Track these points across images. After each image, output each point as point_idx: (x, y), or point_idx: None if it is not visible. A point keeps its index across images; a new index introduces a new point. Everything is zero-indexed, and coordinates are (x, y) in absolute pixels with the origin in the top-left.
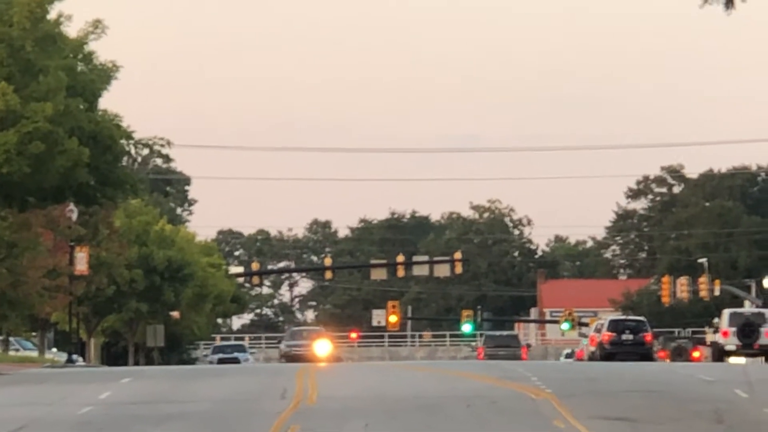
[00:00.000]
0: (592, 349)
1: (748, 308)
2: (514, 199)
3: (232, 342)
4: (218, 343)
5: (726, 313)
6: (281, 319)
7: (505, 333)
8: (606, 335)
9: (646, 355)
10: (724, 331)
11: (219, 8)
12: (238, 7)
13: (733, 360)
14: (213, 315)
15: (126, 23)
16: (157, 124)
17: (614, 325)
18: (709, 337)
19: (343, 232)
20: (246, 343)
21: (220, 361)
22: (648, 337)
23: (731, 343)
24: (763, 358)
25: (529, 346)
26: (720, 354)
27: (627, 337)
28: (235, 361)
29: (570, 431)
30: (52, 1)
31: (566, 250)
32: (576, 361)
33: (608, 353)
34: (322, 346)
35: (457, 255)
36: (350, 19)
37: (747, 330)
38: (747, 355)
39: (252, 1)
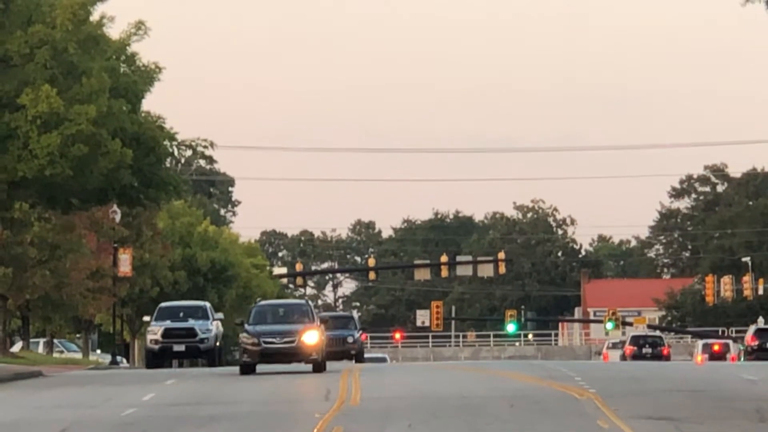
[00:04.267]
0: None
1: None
2: (558, 198)
3: (187, 302)
4: (166, 303)
5: (699, 343)
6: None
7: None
8: (628, 349)
9: None
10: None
11: (261, 10)
12: (280, 9)
13: None
14: None
15: (169, 25)
16: (201, 125)
17: (635, 340)
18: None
19: (386, 233)
20: (207, 304)
21: (167, 334)
22: (665, 350)
23: None
24: None
25: None
26: None
27: (647, 350)
28: (191, 333)
29: (614, 431)
30: (94, 2)
31: (609, 249)
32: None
33: None
34: (311, 337)
35: (501, 255)
36: (392, 21)
37: (716, 357)
38: None
39: (293, 3)
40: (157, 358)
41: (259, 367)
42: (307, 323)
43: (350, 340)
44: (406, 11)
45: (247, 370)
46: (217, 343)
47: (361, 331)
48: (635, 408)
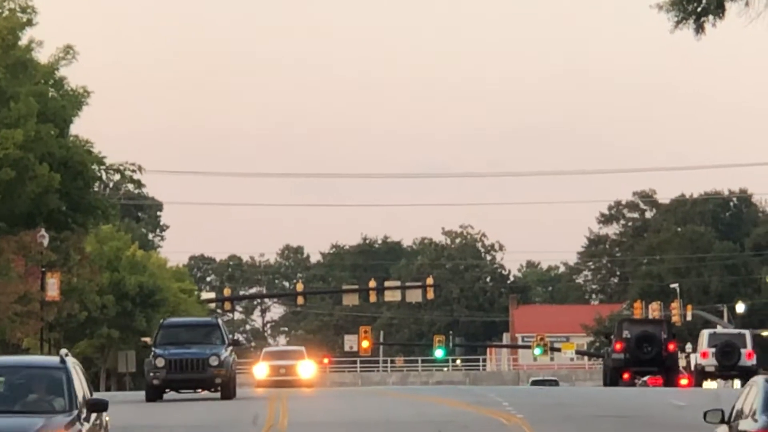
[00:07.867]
0: None
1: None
2: (486, 224)
3: None
4: None
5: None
6: (253, 344)
7: None
8: None
9: None
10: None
11: (187, 34)
12: (206, 32)
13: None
14: None
15: (97, 48)
16: (129, 149)
17: (535, 385)
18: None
19: (314, 258)
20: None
21: None
22: None
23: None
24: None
25: None
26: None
27: None
28: None
29: None
30: (23, 27)
31: (538, 275)
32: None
33: None
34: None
35: (429, 280)
36: (323, 47)
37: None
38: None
39: (219, 26)
40: None
41: None
42: (56, 414)
43: (213, 362)
44: (336, 37)
45: None
46: None
47: (231, 348)
48: None
